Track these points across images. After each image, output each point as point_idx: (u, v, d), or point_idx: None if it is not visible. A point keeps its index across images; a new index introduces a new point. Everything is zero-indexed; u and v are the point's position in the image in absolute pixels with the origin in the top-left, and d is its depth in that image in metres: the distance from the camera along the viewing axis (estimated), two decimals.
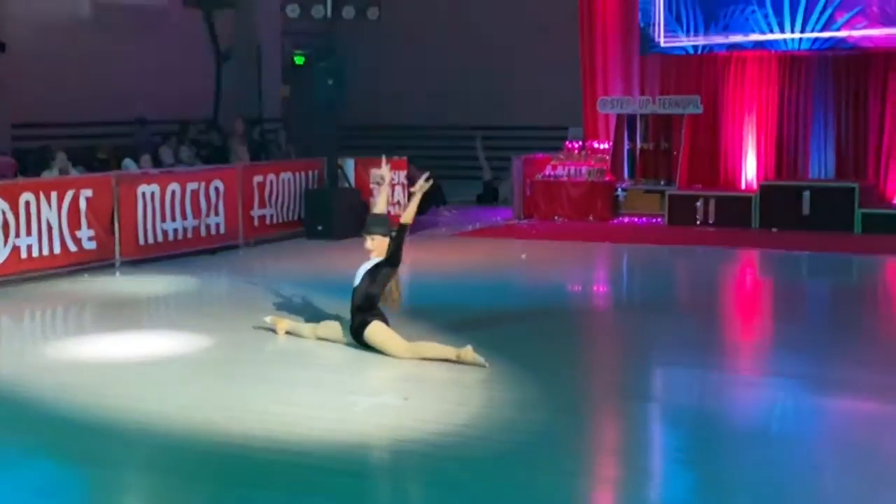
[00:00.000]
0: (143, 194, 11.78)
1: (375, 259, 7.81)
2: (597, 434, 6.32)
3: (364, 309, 7.72)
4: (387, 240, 7.78)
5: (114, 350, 8.04)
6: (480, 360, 7.26)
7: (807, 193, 14.02)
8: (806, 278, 12.00)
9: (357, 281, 7.77)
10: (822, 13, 14.41)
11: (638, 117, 15.84)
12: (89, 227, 11.14)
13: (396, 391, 6.86)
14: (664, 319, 9.10)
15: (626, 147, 15.98)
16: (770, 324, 9.55)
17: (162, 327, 8.97)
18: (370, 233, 7.83)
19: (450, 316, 8.92)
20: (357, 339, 7.77)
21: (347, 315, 7.88)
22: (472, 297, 10.10)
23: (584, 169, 15.70)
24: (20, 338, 9.00)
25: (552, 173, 15.86)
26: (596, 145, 16.06)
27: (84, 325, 9.45)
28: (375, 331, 7.66)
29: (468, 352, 7.31)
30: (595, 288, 11.68)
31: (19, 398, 6.83)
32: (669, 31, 15.51)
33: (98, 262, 11.33)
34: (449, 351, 7.42)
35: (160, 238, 12.00)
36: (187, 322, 8.97)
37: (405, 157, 14.79)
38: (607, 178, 15.62)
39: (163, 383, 7.09)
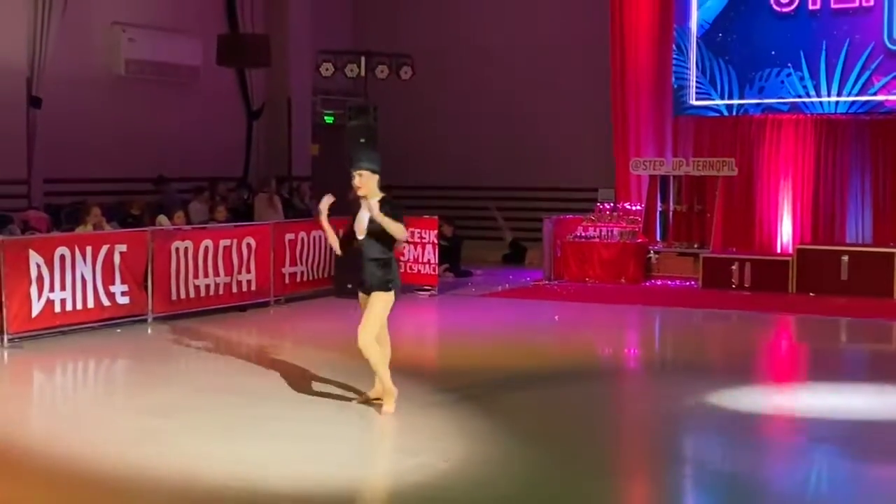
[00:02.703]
0: (177, 250, 11.73)
1: (372, 203, 7.25)
2: (633, 499, 6.13)
3: (382, 263, 7.34)
4: (376, 177, 7.29)
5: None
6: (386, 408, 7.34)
7: (845, 258, 13.83)
8: (845, 344, 11.76)
9: (363, 234, 7.32)
10: (859, 77, 14.36)
11: (671, 179, 15.74)
12: (123, 282, 11.08)
13: (436, 451, 6.69)
14: (700, 384, 8.91)
15: (658, 209, 15.86)
16: (807, 389, 9.34)
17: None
18: (358, 168, 7.31)
19: (481, 376, 8.78)
20: (368, 292, 7.38)
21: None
22: (504, 358, 9.93)
23: (615, 230, 15.57)
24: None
25: (584, 234, 15.74)
26: (628, 206, 15.94)
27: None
28: (381, 303, 7.32)
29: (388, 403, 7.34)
30: (627, 351, 11.48)
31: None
32: (703, 93, 15.47)
33: (130, 317, 11.25)
34: (383, 383, 7.36)
35: (192, 294, 11.92)
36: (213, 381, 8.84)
37: (436, 217, 14.69)
38: (639, 240, 15.48)
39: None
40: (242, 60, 16.73)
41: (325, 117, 19.24)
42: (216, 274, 12.18)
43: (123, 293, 11.11)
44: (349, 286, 13.67)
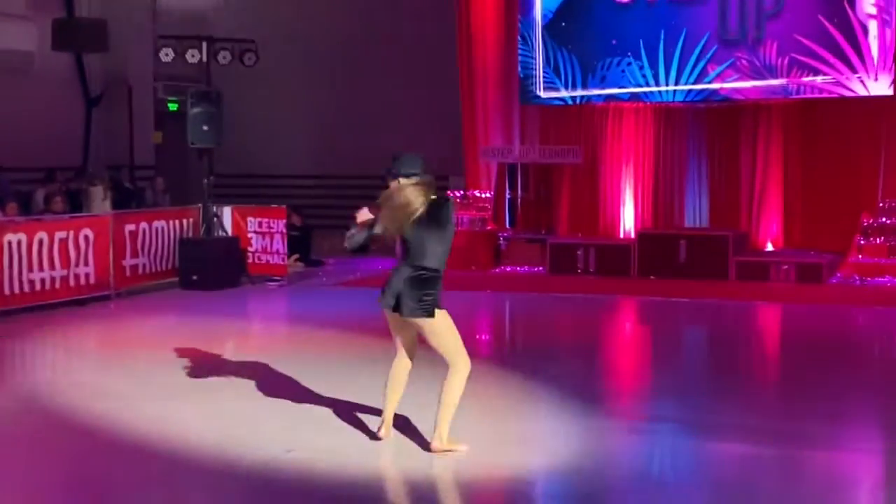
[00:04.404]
0: (10, 243, 11.22)
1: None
2: (478, 485, 6.16)
3: None
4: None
5: None
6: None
7: (683, 242, 14.29)
8: (682, 325, 12.16)
9: None
10: (695, 66, 14.82)
11: (519, 166, 15.95)
12: None
13: (281, 442, 6.59)
14: (545, 367, 9.06)
15: (507, 196, 16.05)
16: (648, 370, 9.62)
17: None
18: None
19: (330, 365, 8.70)
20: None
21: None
22: (354, 345, 9.88)
23: (466, 218, 15.70)
24: None
25: None
26: (478, 194, 16.09)
27: None
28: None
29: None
30: (477, 336, 11.58)
31: None
32: (548, 82, 15.71)
33: None
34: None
35: (26, 288, 11.43)
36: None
37: (284, 206, 14.51)
38: (489, 228, 15.64)
39: None
40: (79, 45, 16.18)
41: (169, 104, 18.76)
42: (52, 267, 11.72)
43: None
44: (194, 277, 13.44)
